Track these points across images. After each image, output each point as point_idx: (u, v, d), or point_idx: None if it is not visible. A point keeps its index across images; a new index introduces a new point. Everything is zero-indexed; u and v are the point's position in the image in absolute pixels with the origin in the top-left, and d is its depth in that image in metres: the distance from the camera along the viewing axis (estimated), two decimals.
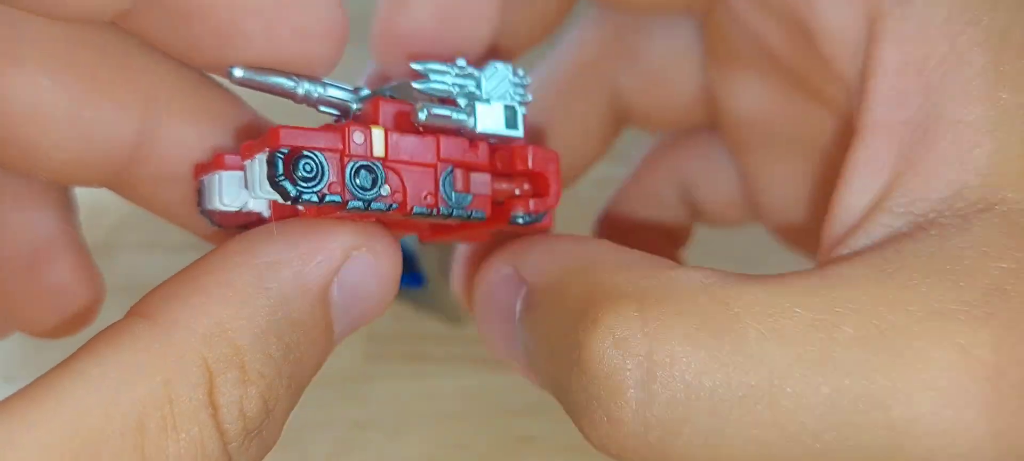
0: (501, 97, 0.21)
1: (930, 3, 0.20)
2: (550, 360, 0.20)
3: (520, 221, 0.21)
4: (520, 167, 0.21)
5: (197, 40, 0.19)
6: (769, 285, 0.18)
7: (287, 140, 0.18)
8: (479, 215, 0.20)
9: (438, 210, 0.20)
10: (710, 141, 0.30)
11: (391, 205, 0.19)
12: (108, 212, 0.24)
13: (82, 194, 0.25)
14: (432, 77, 0.20)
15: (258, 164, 0.19)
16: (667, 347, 0.17)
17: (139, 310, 0.18)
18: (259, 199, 0.20)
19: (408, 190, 0.19)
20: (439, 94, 0.20)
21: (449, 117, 0.20)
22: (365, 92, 0.21)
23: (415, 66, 0.20)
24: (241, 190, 0.20)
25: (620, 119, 0.29)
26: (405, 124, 0.20)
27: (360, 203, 0.19)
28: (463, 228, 0.22)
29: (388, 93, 0.21)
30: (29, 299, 0.24)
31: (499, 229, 0.22)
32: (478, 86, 0.21)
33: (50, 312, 0.24)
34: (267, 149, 0.18)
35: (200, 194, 0.21)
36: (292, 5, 0.19)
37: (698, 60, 0.28)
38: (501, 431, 0.37)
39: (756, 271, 0.19)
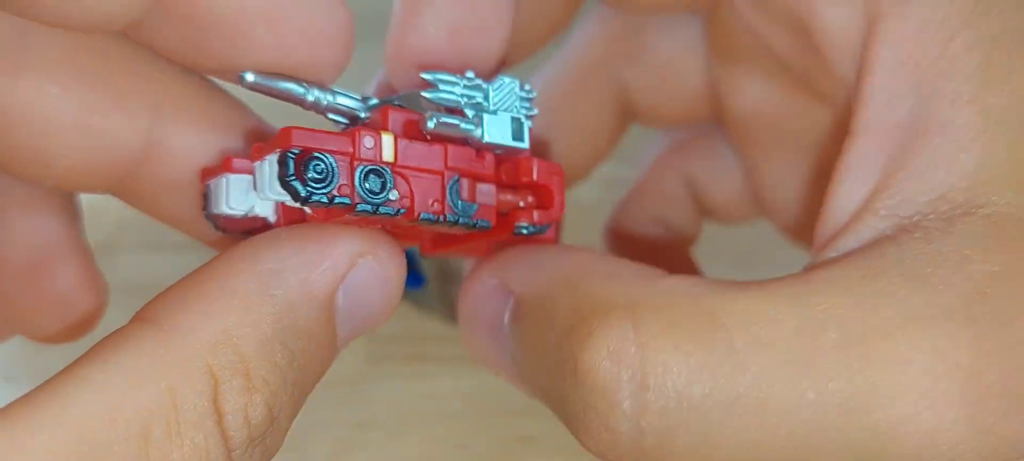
0: (508, 110, 0.21)
1: (927, 5, 0.20)
2: (542, 370, 0.20)
3: (524, 232, 0.21)
4: (525, 179, 0.21)
5: (206, 48, 0.19)
6: (755, 293, 0.19)
7: (299, 141, 0.18)
8: (484, 224, 0.20)
9: (444, 217, 0.20)
10: (716, 139, 0.30)
11: (399, 210, 0.19)
12: (109, 212, 0.24)
13: (83, 195, 0.25)
14: (441, 87, 0.20)
15: (268, 164, 0.19)
16: (659, 357, 0.18)
17: (144, 315, 0.18)
18: (267, 201, 0.20)
19: (416, 196, 0.19)
20: (447, 104, 0.20)
21: (457, 126, 0.20)
22: (374, 101, 0.21)
23: (425, 76, 0.20)
24: (248, 194, 0.20)
25: (626, 115, 0.30)
26: (414, 132, 0.20)
27: (368, 207, 0.19)
28: (468, 238, 0.22)
29: (397, 103, 0.21)
30: (32, 304, 0.24)
31: (503, 240, 0.22)
32: (486, 98, 0.21)
33: (53, 318, 0.24)
34: (279, 149, 0.18)
35: (206, 198, 0.21)
36: (299, 11, 0.19)
37: (703, 56, 0.28)
38: (501, 431, 0.37)
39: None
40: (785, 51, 0.23)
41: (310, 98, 0.20)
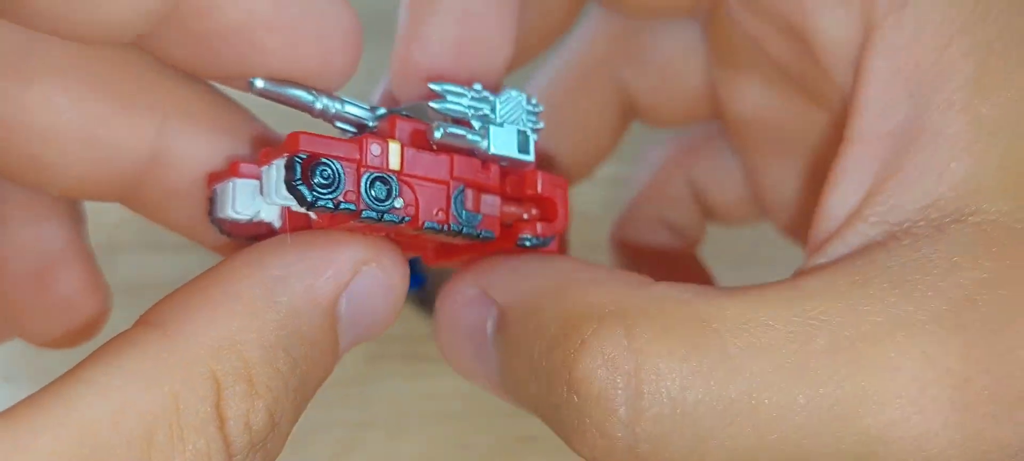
0: (514, 122, 0.21)
1: (922, 14, 0.20)
2: (531, 380, 0.20)
3: (528, 244, 0.22)
4: (529, 191, 0.21)
5: (216, 57, 0.19)
6: (746, 299, 0.19)
7: (306, 146, 0.18)
8: (488, 235, 0.21)
9: (449, 226, 0.20)
10: (719, 142, 0.30)
11: (403, 218, 0.19)
12: (109, 212, 0.24)
13: None
14: (449, 98, 0.21)
15: (276, 169, 0.19)
16: (653, 364, 0.18)
17: (148, 319, 0.18)
18: (273, 206, 0.20)
19: (421, 204, 0.20)
20: (454, 115, 0.21)
21: (464, 137, 0.20)
22: (381, 111, 0.21)
23: (433, 87, 0.20)
24: (254, 198, 0.20)
25: (628, 113, 0.30)
26: (420, 142, 0.20)
27: (373, 213, 0.19)
28: (471, 248, 0.22)
29: (404, 113, 0.21)
30: (36, 309, 0.24)
31: (506, 251, 0.22)
32: (492, 110, 0.21)
33: (56, 323, 0.24)
34: (286, 154, 0.19)
35: (212, 202, 0.21)
36: (308, 18, 0.19)
37: (703, 57, 0.28)
38: (501, 431, 0.37)
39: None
40: (782, 57, 0.23)
41: (318, 106, 0.20)
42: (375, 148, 0.19)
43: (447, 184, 0.20)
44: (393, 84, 0.23)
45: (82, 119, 0.20)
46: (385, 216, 0.19)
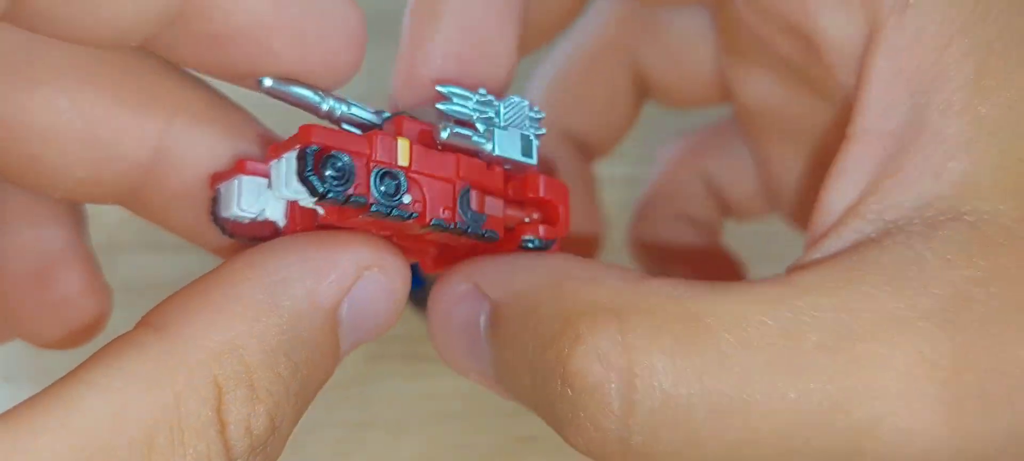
0: (518, 127, 0.21)
1: (924, 14, 0.20)
2: (526, 375, 0.20)
3: (530, 246, 0.22)
4: (532, 195, 0.21)
5: (222, 57, 0.19)
6: (739, 295, 0.19)
7: (318, 138, 0.19)
8: (492, 235, 0.21)
9: (455, 225, 0.20)
10: (731, 135, 0.30)
11: (412, 214, 0.19)
12: (109, 212, 0.24)
13: None
14: (454, 100, 0.21)
15: (286, 160, 0.19)
16: (645, 359, 0.18)
17: (149, 321, 0.18)
18: (278, 203, 0.20)
19: (428, 202, 0.20)
20: (460, 118, 0.21)
21: (469, 138, 0.20)
22: (387, 115, 0.21)
23: (440, 89, 0.21)
24: (260, 196, 0.20)
25: (642, 92, 0.31)
26: (427, 142, 0.20)
27: (383, 208, 0.19)
28: (474, 250, 0.22)
29: (410, 114, 0.21)
30: (36, 311, 0.24)
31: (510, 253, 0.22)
32: (497, 114, 0.21)
33: (56, 324, 0.24)
34: (298, 146, 0.19)
35: (216, 202, 0.21)
36: (313, 15, 0.19)
37: (714, 43, 0.28)
38: (501, 431, 0.37)
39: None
40: (788, 53, 0.23)
41: (325, 107, 0.20)
42: (385, 143, 0.19)
43: (454, 183, 0.20)
44: (396, 94, 0.23)
45: (83, 121, 0.20)
46: (393, 211, 0.19)
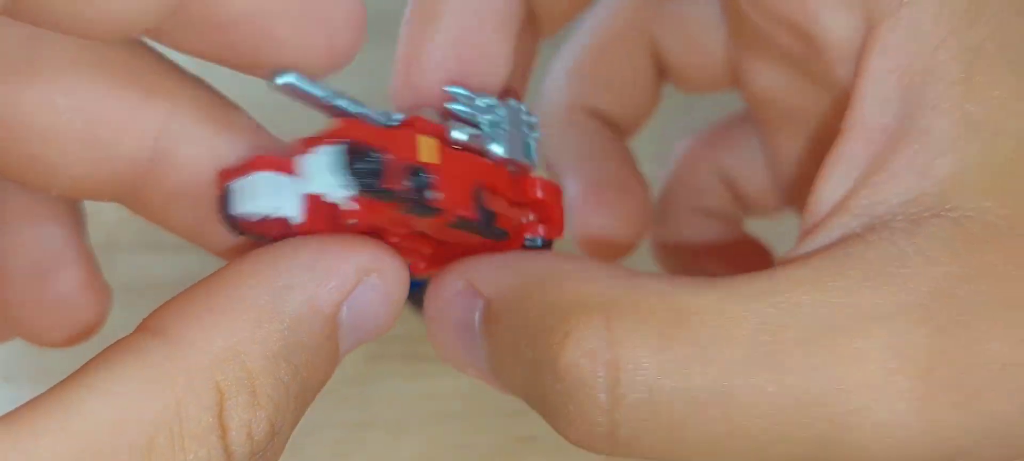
0: (517, 129, 0.22)
1: (919, 14, 0.20)
2: (519, 369, 0.20)
3: (534, 245, 0.22)
4: (530, 196, 0.22)
5: (227, 47, 0.19)
6: (722, 290, 0.19)
7: (354, 133, 0.19)
8: (503, 234, 0.21)
9: (474, 223, 0.20)
10: (745, 130, 0.31)
11: (438, 210, 0.20)
12: (109, 211, 0.24)
13: None
14: (461, 102, 0.21)
15: (326, 154, 0.19)
16: (630, 354, 0.19)
17: (151, 325, 0.18)
18: (297, 196, 0.20)
19: (450, 199, 0.20)
20: (466, 118, 0.21)
21: (479, 137, 0.21)
22: (397, 116, 0.21)
23: (448, 89, 0.21)
24: (275, 192, 0.20)
25: (661, 72, 0.31)
26: (443, 142, 0.21)
27: (416, 203, 0.19)
28: (477, 249, 0.22)
29: (423, 115, 0.21)
30: (35, 310, 0.24)
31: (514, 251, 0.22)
32: (499, 117, 0.22)
33: (56, 323, 0.24)
34: (335, 139, 0.19)
35: (225, 199, 0.21)
36: (313, 2, 0.19)
37: (726, 30, 0.29)
38: (501, 431, 0.37)
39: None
40: (790, 48, 0.24)
41: (338, 105, 0.20)
42: (419, 142, 0.20)
43: (470, 181, 0.20)
44: (396, 95, 0.23)
45: (82, 119, 0.20)
46: (421, 208, 0.19)
